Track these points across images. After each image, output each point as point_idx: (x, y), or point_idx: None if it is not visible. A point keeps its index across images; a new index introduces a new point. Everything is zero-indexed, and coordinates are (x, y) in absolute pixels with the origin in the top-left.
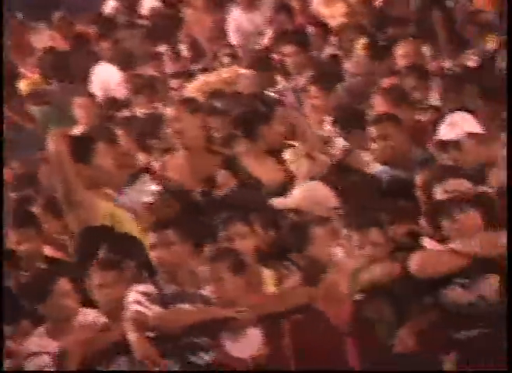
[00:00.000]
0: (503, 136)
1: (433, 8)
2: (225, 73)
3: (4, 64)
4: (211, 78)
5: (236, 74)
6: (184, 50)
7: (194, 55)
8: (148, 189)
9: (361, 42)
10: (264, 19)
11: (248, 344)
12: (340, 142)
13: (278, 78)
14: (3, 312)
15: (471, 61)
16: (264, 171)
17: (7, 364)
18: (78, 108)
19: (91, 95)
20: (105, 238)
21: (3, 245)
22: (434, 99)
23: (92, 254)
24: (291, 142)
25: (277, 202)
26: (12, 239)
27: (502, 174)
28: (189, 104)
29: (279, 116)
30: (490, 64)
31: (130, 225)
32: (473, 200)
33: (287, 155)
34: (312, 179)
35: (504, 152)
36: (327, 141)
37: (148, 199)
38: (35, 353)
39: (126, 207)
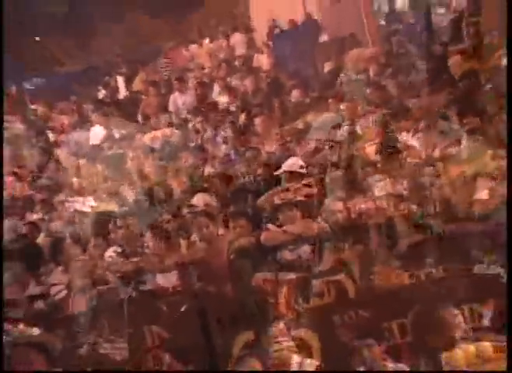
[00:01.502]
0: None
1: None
2: (165, 131)
3: None
4: (158, 133)
5: (171, 132)
6: (141, 118)
7: (148, 120)
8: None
9: (241, 116)
10: (189, 99)
11: (170, 279)
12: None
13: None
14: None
15: (300, 125)
16: (178, 184)
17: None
18: None
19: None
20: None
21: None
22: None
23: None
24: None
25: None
26: None
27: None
28: (143, 148)
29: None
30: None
31: None
32: (295, 204)
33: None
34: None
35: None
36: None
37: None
38: (55, 284)
39: None
